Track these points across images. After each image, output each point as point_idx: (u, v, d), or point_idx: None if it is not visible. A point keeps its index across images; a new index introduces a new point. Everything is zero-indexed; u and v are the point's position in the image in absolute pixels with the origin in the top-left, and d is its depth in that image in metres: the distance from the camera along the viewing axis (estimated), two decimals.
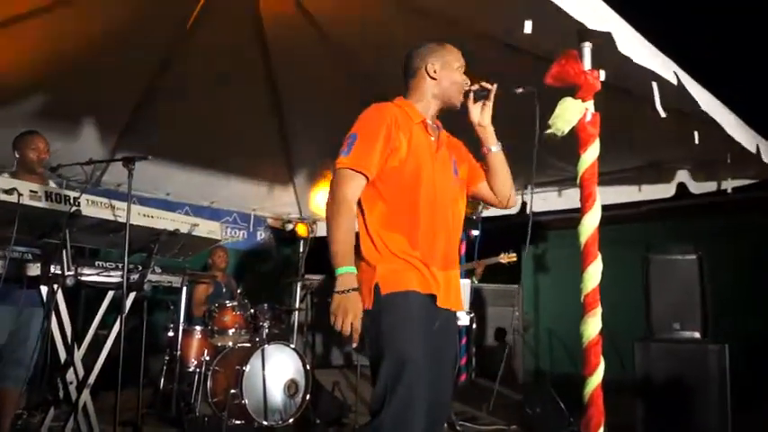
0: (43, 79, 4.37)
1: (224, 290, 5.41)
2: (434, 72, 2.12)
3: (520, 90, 2.09)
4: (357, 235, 2.00)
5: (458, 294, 2.13)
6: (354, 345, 1.90)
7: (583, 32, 2.23)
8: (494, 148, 2.19)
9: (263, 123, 5.67)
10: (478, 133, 2.19)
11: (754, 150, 3.57)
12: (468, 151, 2.30)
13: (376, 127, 1.99)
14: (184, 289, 3.64)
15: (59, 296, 2.79)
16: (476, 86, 2.14)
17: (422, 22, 3.32)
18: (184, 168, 5.95)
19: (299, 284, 6.26)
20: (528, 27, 2.33)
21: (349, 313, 1.83)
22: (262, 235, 7.32)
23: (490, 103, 2.15)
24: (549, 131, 2.19)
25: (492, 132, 2.19)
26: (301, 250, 6.74)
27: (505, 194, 2.26)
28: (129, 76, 4.67)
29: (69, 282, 2.72)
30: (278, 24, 4.40)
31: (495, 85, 2.12)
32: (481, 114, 2.16)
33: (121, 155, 3.70)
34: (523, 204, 5.43)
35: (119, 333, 2.93)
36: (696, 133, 3.26)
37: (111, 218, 2.87)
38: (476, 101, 2.15)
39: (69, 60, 4.19)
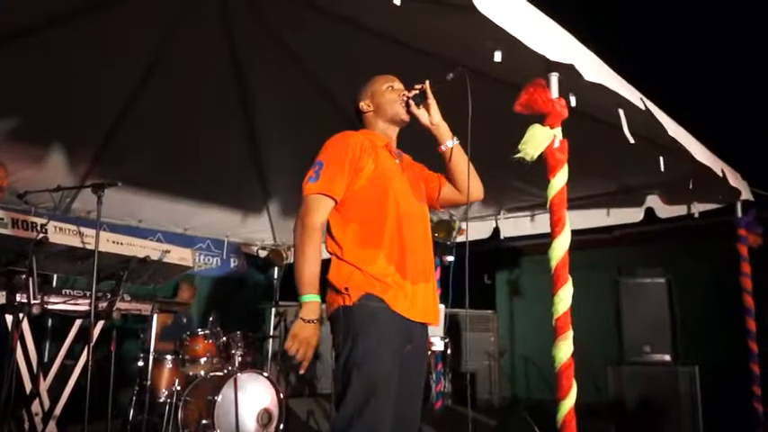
0: (11, 103, 4.32)
1: (185, 320, 5.34)
2: (368, 106, 2.27)
3: (450, 76, 2.15)
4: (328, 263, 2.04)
5: (433, 308, 2.14)
6: (302, 371, 1.98)
7: (549, 64, 2.30)
8: (449, 142, 2.26)
9: (237, 150, 5.66)
10: (434, 134, 2.27)
11: (720, 174, 3.67)
12: (425, 168, 2.39)
13: (341, 152, 2.08)
14: (155, 317, 3.58)
15: (25, 325, 2.72)
16: (411, 93, 2.22)
17: (397, 51, 3.42)
18: (157, 195, 5.89)
19: (272, 311, 6.19)
20: (498, 56, 2.40)
21: (310, 344, 1.91)
22: (235, 262, 7.25)
23: (432, 101, 2.22)
24: (518, 156, 2.25)
25: (446, 128, 2.27)
26: (275, 277, 6.69)
27: (471, 187, 2.26)
28: (101, 102, 4.64)
29: (35, 310, 2.66)
30: (252, 50, 4.42)
31: (428, 81, 2.20)
32: (429, 115, 2.24)
33: (93, 182, 3.67)
34: (496, 230, 5.49)
35: (86, 363, 2.86)
36: (662, 159, 3.35)
37: (80, 245, 2.84)
38: (418, 106, 2.22)
39: (39, 86, 4.15)
